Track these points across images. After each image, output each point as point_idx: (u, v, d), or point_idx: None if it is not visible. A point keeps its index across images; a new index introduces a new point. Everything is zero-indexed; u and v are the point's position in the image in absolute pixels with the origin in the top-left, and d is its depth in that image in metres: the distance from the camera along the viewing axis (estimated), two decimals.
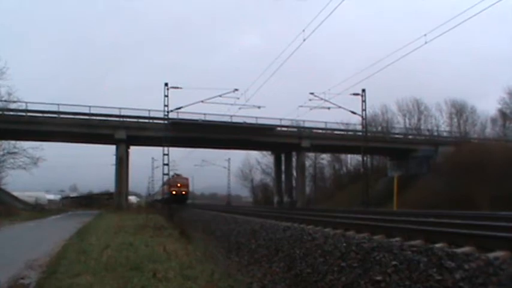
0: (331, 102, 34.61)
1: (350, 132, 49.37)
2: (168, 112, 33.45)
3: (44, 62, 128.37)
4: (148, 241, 11.86)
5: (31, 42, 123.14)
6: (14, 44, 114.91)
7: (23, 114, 38.20)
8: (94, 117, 40.95)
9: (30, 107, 38.66)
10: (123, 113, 42.16)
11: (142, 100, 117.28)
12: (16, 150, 39.21)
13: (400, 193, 34.05)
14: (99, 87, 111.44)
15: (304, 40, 20.05)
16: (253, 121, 42.76)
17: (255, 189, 76.01)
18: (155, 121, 41.44)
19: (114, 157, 43.94)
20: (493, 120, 53.83)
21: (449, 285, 3.85)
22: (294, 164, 51.98)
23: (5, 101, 35.83)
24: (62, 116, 39.89)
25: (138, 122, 42.74)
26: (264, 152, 63.79)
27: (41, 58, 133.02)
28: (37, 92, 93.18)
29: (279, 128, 45.79)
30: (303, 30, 14.98)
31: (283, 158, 54.10)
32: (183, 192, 52.17)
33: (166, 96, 32.42)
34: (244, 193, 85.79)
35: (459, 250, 4.28)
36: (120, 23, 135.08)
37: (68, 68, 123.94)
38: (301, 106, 35.77)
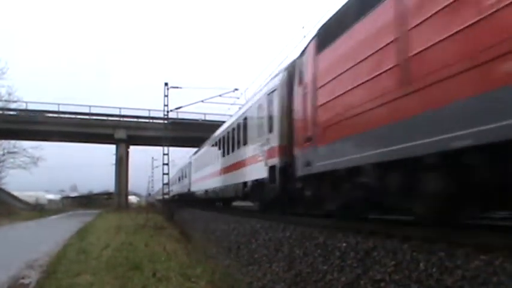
0: None
1: None
2: (167, 112, 33.45)
3: (45, 62, 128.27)
4: (148, 241, 11.86)
5: (32, 42, 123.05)
6: (14, 43, 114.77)
7: (23, 113, 38.22)
8: (94, 117, 40.98)
9: (30, 106, 38.77)
10: (123, 112, 42.23)
11: (142, 100, 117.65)
12: (16, 150, 39.40)
13: None
14: (99, 87, 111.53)
15: (304, 37, 19.91)
16: None
17: None
18: (155, 121, 41.44)
19: (114, 157, 43.96)
20: None
21: (449, 285, 3.85)
22: None
23: (5, 100, 35.86)
24: (61, 115, 39.91)
25: (138, 121, 42.77)
26: None
27: (41, 58, 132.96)
28: (37, 91, 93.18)
29: None
30: (303, 27, 14.79)
31: None
32: None
33: (166, 95, 32.42)
34: None
35: (459, 250, 4.28)
36: (121, 23, 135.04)
37: (69, 68, 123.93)
38: None
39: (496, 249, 3.95)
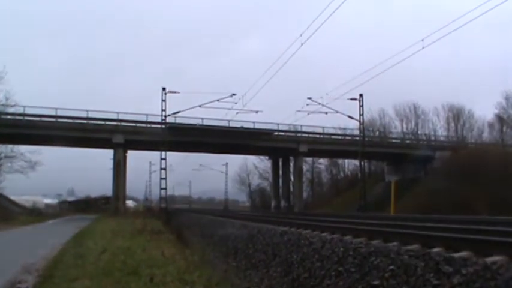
0: (328, 107, 34.29)
1: (347, 137, 49.40)
2: (165, 116, 33.48)
3: (42, 67, 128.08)
4: (145, 245, 11.84)
5: (31, 47, 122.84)
6: (13, 48, 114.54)
7: (21, 118, 38.14)
8: (91, 122, 40.89)
9: (28, 111, 38.61)
10: (121, 117, 42.11)
11: (141, 107, 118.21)
12: (13, 154, 39.25)
13: (399, 197, 34.04)
14: (97, 91, 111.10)
15: (301, 44, 20.08)
16: (250, 126, 42.75)
17: (253, 193, 75.86)
18: (153, 125, 41.39)
19: (112, 161, 43.85)
20: (491, 125, 53.67)
21: None
22: (291, 168, 51.96)
23: (3, 105, 35.80)
24: (59, 120, 39.82)
25: (135, 126, 42.69)
26: (262, 157, 63.69)
27: (39, 62, 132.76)
28: (35, 96, 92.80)
29: (276, 133, 45.78)
30: (301, 35, 15.02)
31: (280, 163, 54.04)
32: None
33: (164, 100, 32.53)
34: (241, 198, 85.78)
35: (457, 254, 4.29)
36: (121, 28, 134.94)
37: (66, 72, 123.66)
38: (299, 111, 34.93)
39: (495, 252, 3.97)
